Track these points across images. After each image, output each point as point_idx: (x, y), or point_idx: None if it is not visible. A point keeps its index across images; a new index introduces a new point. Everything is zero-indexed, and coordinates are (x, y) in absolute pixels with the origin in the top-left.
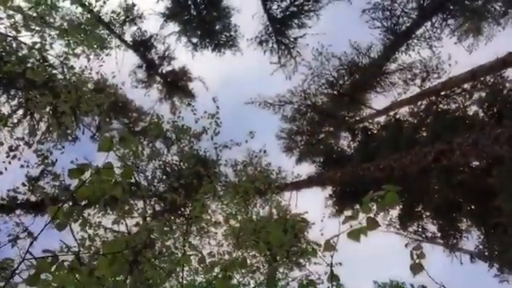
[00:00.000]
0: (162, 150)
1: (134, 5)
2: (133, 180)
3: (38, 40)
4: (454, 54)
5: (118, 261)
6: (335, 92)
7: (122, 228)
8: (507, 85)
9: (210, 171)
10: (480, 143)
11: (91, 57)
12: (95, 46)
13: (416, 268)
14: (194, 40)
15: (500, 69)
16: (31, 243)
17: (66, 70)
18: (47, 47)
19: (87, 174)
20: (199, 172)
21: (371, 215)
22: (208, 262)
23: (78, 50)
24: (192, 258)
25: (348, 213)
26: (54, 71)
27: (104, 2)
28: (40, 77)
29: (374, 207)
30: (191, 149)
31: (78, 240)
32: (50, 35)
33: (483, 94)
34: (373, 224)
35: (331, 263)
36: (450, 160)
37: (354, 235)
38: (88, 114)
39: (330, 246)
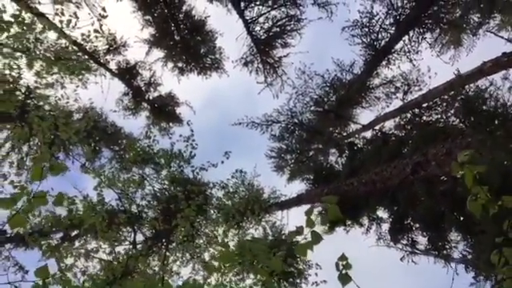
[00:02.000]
0: (149, 175)
1: (104, 16)
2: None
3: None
4: (438, 65)
5: None
6: (321, 109)
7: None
8: (476, 93)
9: (189, 194)
10: (453, 153)
11: (67, 85)
12: (73, 74)
13: (344, 279)
14: (180, 65)
15: (477, 78)
16: None
17: (41, 99)
18: (22, 78)
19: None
20: (177, 196)
21: (316, 229)
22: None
23: (50, 79)
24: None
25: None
26: (28, 101)
27: (73, 27)
28: (11, 108)
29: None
30: (176, 172)
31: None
32: (19, 67)
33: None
34: (317, 238)
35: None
36: (427, 171)
37: (301, 250)
38: (70, 143)
39: (278, 265)
